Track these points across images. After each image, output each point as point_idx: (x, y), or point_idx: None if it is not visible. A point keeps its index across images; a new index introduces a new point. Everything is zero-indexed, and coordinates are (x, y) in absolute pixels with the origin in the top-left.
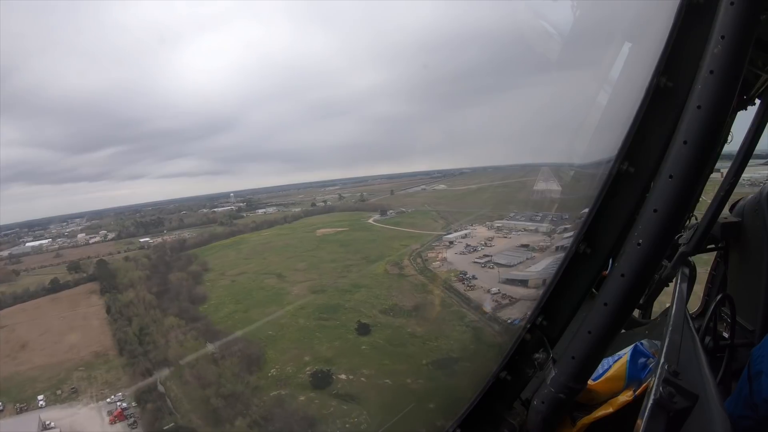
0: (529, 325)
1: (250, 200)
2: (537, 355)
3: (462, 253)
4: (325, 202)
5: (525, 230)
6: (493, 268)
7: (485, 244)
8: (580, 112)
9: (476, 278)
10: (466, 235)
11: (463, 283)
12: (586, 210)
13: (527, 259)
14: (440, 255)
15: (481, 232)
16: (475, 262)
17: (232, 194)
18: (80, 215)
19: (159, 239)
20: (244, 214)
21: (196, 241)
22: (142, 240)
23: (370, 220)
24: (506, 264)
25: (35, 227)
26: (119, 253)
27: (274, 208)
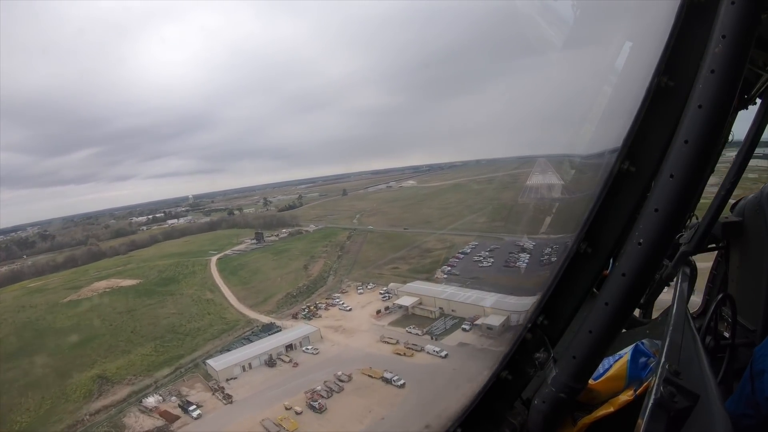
0: (530, 325)
1: (198, 204)
2: (538, 355)
3: None
4: (240, 210)
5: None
6: None
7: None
8: (581, 111)
9: None
10: (301, 340)
11: None
12: (587, 209)
13: None
14: None
15: (355, 320)
16: None
17: (190, 196)
18: (44, 222)
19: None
20: (143, 228)
21: None
22: None
23: (214, 259)
24: None
25: None
26: None
27: (190, 218)
